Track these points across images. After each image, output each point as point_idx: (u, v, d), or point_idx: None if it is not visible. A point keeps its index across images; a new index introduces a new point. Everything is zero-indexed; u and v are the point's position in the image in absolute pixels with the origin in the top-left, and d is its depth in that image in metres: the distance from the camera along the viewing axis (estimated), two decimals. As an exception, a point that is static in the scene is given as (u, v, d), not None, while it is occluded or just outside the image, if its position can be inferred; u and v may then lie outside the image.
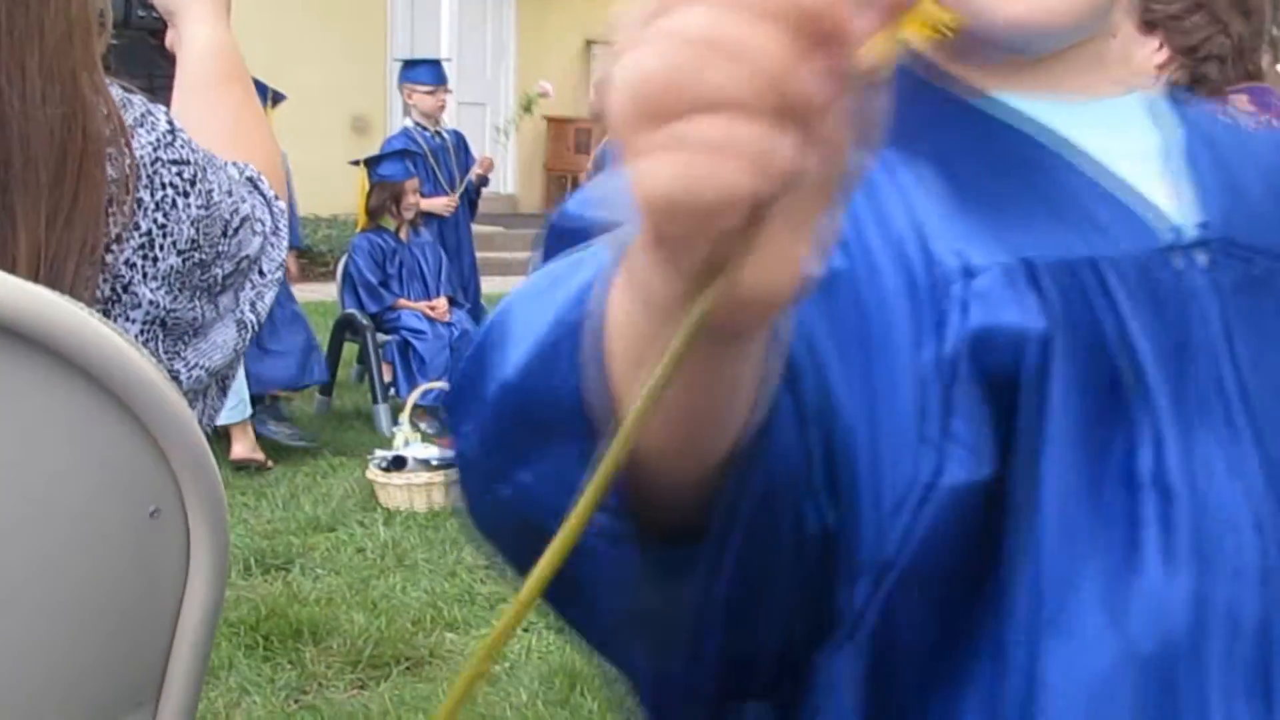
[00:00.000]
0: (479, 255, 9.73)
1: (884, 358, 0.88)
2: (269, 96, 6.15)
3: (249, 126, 1.72)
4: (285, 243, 1.59)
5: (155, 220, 1.38)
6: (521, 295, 0.83)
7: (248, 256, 1.51)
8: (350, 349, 7.47)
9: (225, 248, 1.46)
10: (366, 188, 7.23)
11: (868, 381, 0.87)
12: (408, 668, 4.04)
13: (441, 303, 7.03)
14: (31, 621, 1.24)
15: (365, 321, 6.89)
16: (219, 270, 1.46)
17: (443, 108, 8.04)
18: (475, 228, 11.43)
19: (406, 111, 8.33)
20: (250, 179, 1.56)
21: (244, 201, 1.50)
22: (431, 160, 7.73)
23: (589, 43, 17.07)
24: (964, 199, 0.96)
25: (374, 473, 5.51)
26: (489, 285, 8.90)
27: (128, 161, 1.36)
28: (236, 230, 1.48)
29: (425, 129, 7.88)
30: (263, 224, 1.53)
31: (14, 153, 1.27)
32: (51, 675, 1.28)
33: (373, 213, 7.20)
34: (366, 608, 4.36)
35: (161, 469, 1.23)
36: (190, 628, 1.34)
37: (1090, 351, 0.91)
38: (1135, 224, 0.97)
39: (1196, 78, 2.81)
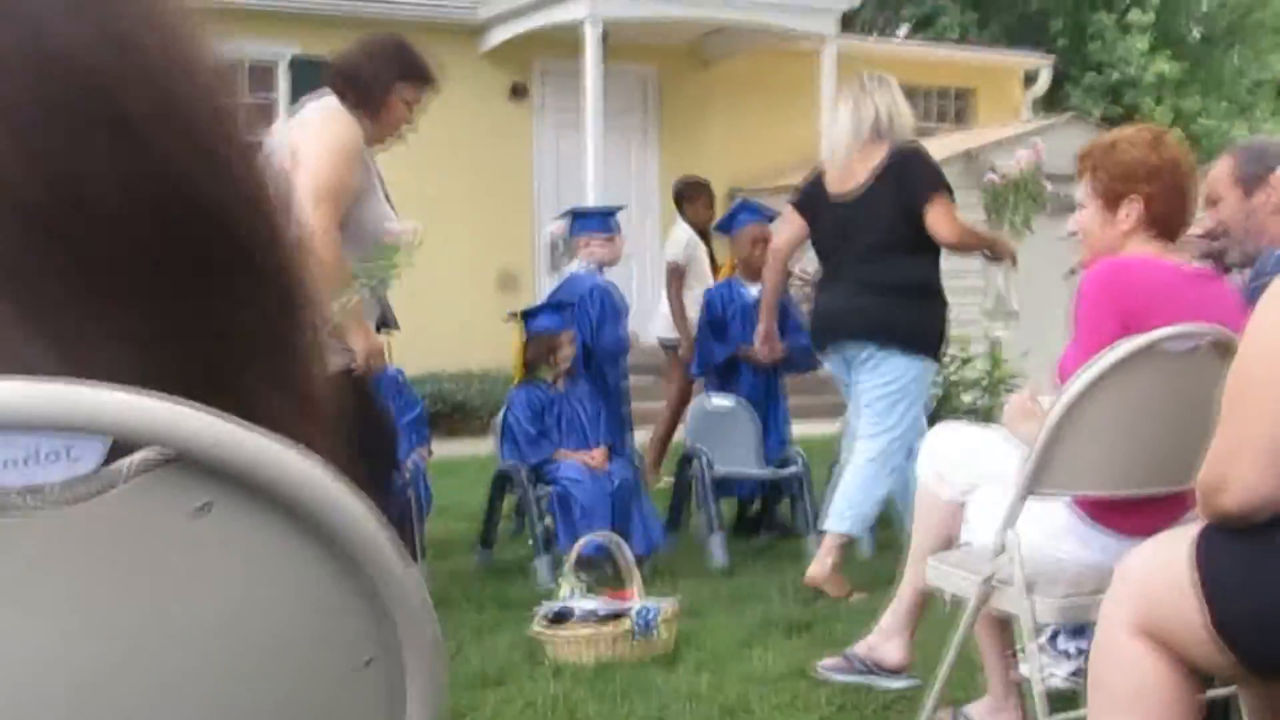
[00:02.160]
0: (634, 405, 9.76)
1: None
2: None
3: None
4: None
5: None
6: None
7: None
8: (509, 502, 7.49)
9: None
10: (522, 340, 7.27)
11: None
12: (585, 823, 3.98)
13: (600, 452, 7.03)
14: (247, 777, 1.22)
15: (524, 473, 6.90)
16: None
17: (619, 256, 7.98)
18: (631, 378, 11.49)
19: (557, 264, 8.39)
20: None
21: None
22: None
23: (733, 190, 17.22)
24: None
25: (540, 625, 5.48)
26: (644, 435, 8.93)
27: None
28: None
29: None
30: None
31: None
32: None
33: (530, 365, 7.25)
34: (542, 763, 4.32)
35: (379, 617, 1.21)
36: (404, 782, 1.31)
37: None
38: None
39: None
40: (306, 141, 4.94)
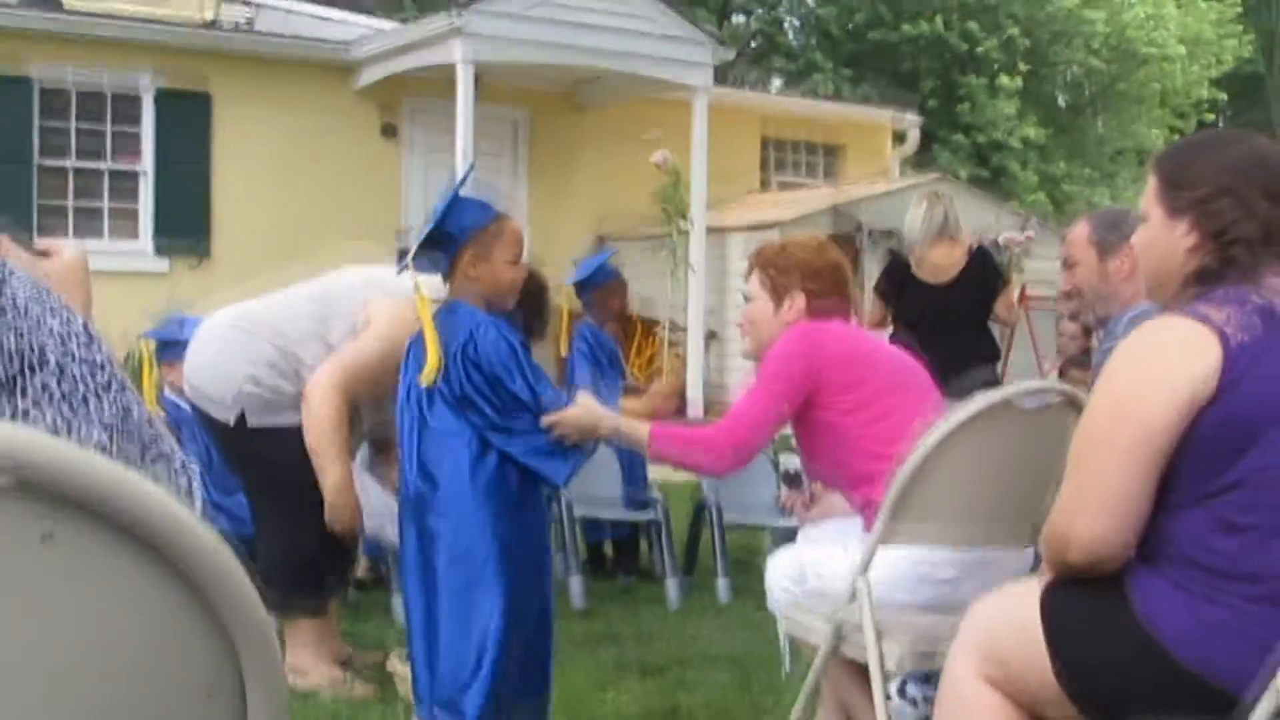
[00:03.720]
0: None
1: None
2: None
3: None
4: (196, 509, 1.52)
5: (61, 411, 1.36)
6: None
7: None
8: (367, 541, 7.42)
9: (141, 470, 1.43)
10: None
11: None
12: None
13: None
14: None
15: (383, 512, 6.84)
16: None
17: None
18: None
19: None
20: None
21: (163, 441, 1.48)
22: None
23: (601, 237, 17.26)
24: None
25: (394, 664, 5.44)
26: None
27: None
28: (154, 461, 1.46)
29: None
30: (178, 474, 1.51)
31: None
32: None
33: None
34: (390, 805, 4.26)
35: (222, 648, 1.21)
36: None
37: None
38: None
39: (1225, 261, 2.83)
40: (378, 321, 5.36)
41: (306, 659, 5.45)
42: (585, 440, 4.29)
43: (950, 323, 8.00)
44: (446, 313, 4.39)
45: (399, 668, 5.40)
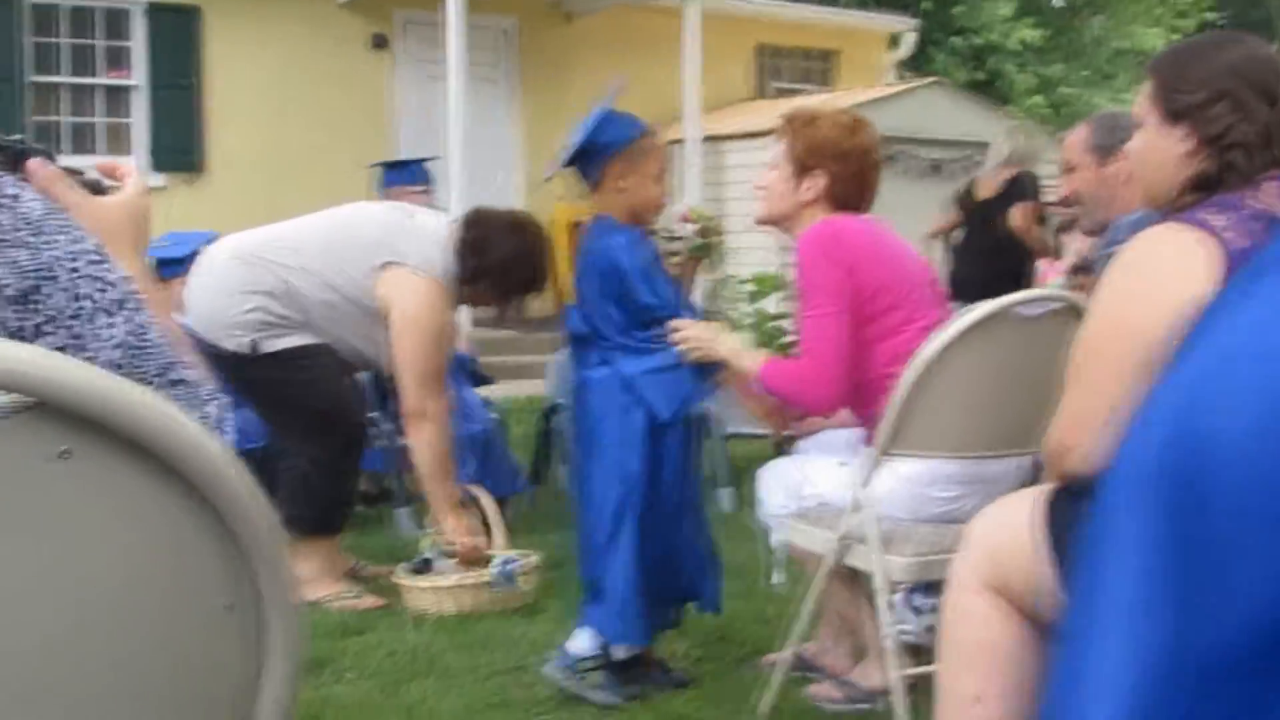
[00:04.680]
0: (493, 359, 9.77)
1: None
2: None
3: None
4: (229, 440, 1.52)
5: (71, 327, 1.37)
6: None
7: None
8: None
9: (157, 390, 1.41)
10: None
11: None
12: (443, 774, 3.98)
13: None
14: (105, 716, 1.24)
15: (388, 424, 6.86)
16: None
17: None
18: (488, 333, 11.49)
19: None
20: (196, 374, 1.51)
21: (187, 369, 1.47)
22: None
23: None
24: None
25: (401, 576, 5.48)
26: (501, 390, 8.93)
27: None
28: (174, 384, 1.44)
29: None
30: (204, 403, 1.48)
31: None
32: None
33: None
34: (401, 713, 4.31)
35: (239, 564, 1.23)
36: (263, 726, 1.33)
37: None
38: None
39: (1223, 166, 2.82)
40: (403, 308, 5.48)
41: (314, 571, 5.49)
42: (705, 360, 4.30)
43: (981, 236, 9.66)
44: (591, 225, 4.49)
45: (404, 580, 5.45)
